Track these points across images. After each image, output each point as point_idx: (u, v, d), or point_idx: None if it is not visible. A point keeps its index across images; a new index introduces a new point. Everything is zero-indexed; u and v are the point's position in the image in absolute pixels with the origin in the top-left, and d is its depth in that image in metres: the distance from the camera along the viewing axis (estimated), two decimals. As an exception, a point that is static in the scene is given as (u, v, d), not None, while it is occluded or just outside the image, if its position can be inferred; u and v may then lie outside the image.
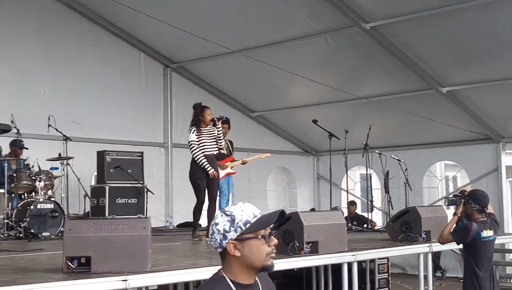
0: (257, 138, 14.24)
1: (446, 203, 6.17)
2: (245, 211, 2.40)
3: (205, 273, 4.82)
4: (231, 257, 2.40)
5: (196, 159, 7.91)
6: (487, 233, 5.59)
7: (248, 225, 2.38)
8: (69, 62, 11.22)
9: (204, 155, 7.90)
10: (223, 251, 2.42)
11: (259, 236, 2.39)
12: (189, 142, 7.98)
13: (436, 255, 12.03)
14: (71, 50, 11.29)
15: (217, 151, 8.19)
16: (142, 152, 10.24)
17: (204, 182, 7.98)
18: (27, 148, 9.36)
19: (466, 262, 5.78)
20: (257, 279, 2.48)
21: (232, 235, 2.38)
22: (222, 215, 2.42)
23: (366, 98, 12.15)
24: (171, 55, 12.71)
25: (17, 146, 9.21)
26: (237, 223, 2.38)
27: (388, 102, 12.04)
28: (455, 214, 5.85)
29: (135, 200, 9.67)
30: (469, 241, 5.59)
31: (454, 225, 5.88)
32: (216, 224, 2.41)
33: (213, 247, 2.45)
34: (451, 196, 6.24)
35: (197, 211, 8.14)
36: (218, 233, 2.40)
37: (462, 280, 6.18)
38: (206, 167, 7.87)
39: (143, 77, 12.47)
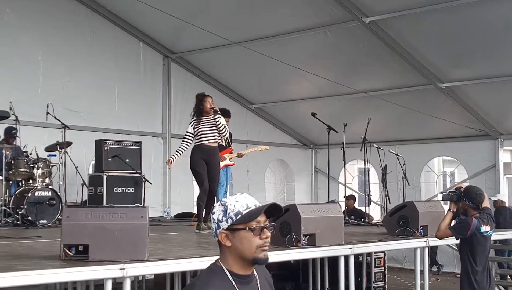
0: (255, 130, 14.25)
1: (442, 198, 6.18)
2: (239, 202, 2.43)
3: (202, 263, 4.82)
4: (225, 247, 2.43)
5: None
6: (485, 228, 5.61)
7: (239, 216, 2.40)
8: (68, 50, 11.19)
9: (200, 145, 7.81)
10: (218, 241, 2.46)
11: (247, 228, 2.40)
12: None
13: (433, 250, 12.08)
14: (70, 38, 11.26)
15: (219, 141, 8.03)
16: (140, 142, 10.25)
17: (204, 170, 7.80)
18: (18, 137, 9.22)
19: (463, 258, 5.77)
20: (254, 271, 2.49)
21: (223, 225, 2.41)
22: (219, 205, 2.47)
23: (365, 92, 12.14)
24: (171, 45, 12.68)
25: (8, 134, 9.16)
26: (229, 213, 2.41)
27: (387, 97, 12.04)
28: (449, 210, 5.87)
29: (132, 190, 9.68)
30: (468, 236, 5.59)
31: (450, 220, 5.88)
32: (213, 213, 2.47)
33: (212, 236, 2.50)
34: (447, 191, 6.25)
35: (201, 201, 7.82)
36: (214, 222, 2.45)
37: (458, 276, 6.19)
38: (173, 154, 8.05)
39: (142, 67, 12.46)
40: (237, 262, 2.42)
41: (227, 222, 2.40)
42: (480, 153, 12.84)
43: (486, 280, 5.64)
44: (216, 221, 2.43)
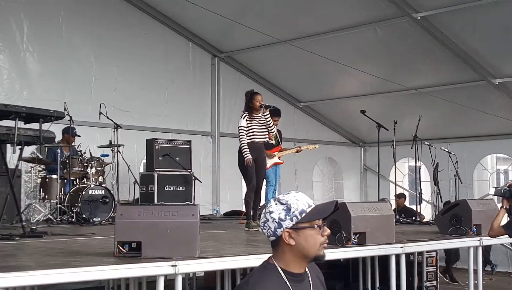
0: (303, 128, 14.22)
1: (493, 193, 5.97)
2: (300, 201, 2.41)
3: (252, 260, 4.85)
4: (285, 246, 2.40)
5: (240, 144, 7.80)
6: None
7: (304, 214, 2.39)
8: (118, 51, 11.40)
9: (252, 142, 7.75)
10: (276, 240, 2.42)
11: (315, 226, 2.40)
12: (238, 127, 7.85)
13: (487, 250, 11.79)
14: (120, 39, 11.47)
15: (267, 138, 8.07)
16: (190, 141, 10.38)
17: (253, 168, 7.77)
18: (79, 136, 9.57)
19: None
20: (306, 268, 2.49)
21: (287, 223, 2.38)
22: (276, 204, 2.42)
23: (416, 89, 11.97)
24: (219, 45, 12.78)
25: (70, 133, 9.42)
26: (293, 212, 2.39)
27: (438, 94, 11.83)
28: (502, 207, 5.60)
29: (183, 188, 9.81)
30: None
31: (505, 217, 5.69)
32: (271, 212, 2.41)
33: (265, 235, 2.45)
34: (499, 187, 6.04)
35: (249, 198, 7.82)
36: (273, 221, 2.40)
37: (513, 275, 6.01)
38: (244, 153, 7.71)
39: (191, 66, 12.58)
40: (297, 260, 2.42)
41: (291, 221, 2.38)
42: (535, 150, 12.51)
43: None
44: (277, 220, 2.39)
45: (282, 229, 2.39)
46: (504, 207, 5.60)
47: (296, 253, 2.41)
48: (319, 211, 2.42)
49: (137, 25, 11.72)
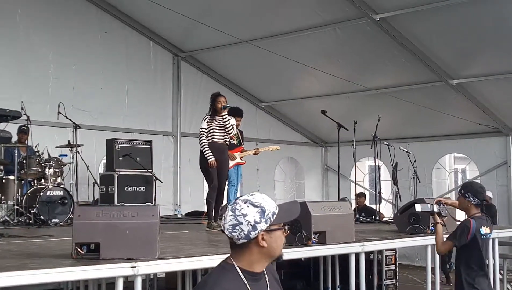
0: (265, 128, 14.26)
1: (419, 211, 5.86)
2: (269, 202, 2.42)
3: (213, 261, 4.83)
4: (255, 248, 2.39)
5: (200, 146, 7.86)
6: (485, 230, 5.08)
7: (275, 216, 2.40)
8: (78, 50, 11.25)
9: (211, 142, 7.79)
10: (246, 242, 2.38)
11: (286, 227, 2.45)
12: (199, 129, 7.93)
13: (444, 248, 11.98)
14: (80, 37, 11.32)
15: (227, 140, 8.10)
16: (151, 141, 10.29)
17: (214, 168, 7.81)
18: (27, 126, 9.22)
19: (461, 263, 5.16)
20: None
21: (262, 226, 2.37)
22: (248, 206, 2.38)
23: (376, 90, 12.12)
24: (181, 44, 12.72)
25: (22, 131, 9.23)
26: (267, 214, 2.38)
27: (397, 94, 12.00)
28: (437, 223, 5.40)
29: (143, 189, 9.72)
30: (468, 240, 4.99)
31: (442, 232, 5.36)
32: (244, 215, 2.37)
33: (234, 238, 2.39)
34: (426, 202, 5.87)
35: (210, 199, 7.86)
36: (247, 224, 2.36)
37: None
38: (206, 155, 7.77)
39: (152, 66, 12.49)
40: (262, 261, 2.43)
41: (266, 223, 2.37)
42: (491, 149, 12.79)
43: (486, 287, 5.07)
44: (252, 223, 2.35)
45: (256, 231, 2.36)
46: (439, 222, 5.41)
47: (266, 254, 2.42)
48: (287, 213, 2.45)
49: (97, 24, 11.58)
